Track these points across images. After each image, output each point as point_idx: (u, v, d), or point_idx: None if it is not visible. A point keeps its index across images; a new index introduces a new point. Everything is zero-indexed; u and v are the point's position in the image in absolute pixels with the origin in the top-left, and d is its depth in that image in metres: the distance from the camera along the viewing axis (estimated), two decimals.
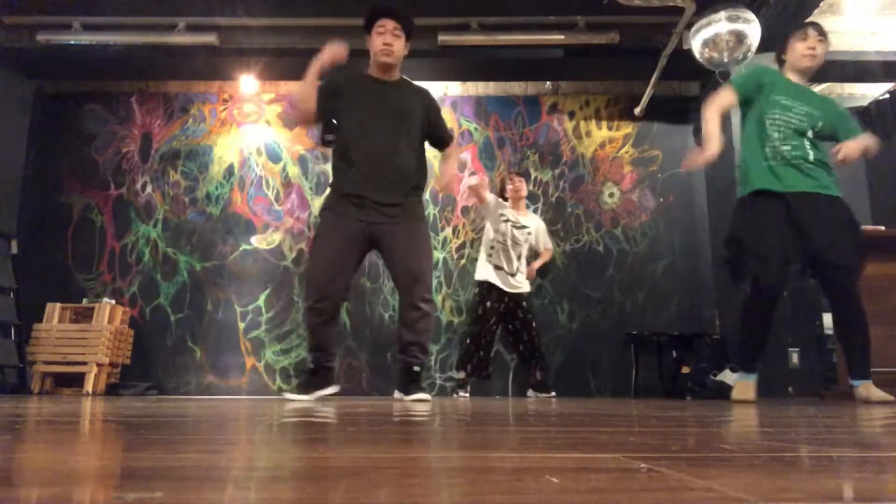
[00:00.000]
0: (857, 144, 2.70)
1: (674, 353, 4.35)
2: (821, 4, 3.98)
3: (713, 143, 2.72)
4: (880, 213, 5.06)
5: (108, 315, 4.29)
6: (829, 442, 0.95)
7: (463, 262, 4.80)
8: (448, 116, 5.13)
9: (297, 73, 2.99)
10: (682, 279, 4.83)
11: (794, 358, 3.92)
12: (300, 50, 4.49)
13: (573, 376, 4.63)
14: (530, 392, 4.17)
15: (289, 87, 5.00)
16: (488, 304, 4.04)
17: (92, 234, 4.88)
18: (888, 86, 5.05)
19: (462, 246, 4.84)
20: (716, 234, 4.68)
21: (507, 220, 4.14)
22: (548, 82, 5.20)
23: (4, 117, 4.74)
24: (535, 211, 4.94)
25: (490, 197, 4.13)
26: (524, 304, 4.16)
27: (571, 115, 5.14)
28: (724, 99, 2.85)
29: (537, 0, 4.31)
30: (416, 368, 2.70)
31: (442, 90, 5.19)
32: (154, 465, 0.62)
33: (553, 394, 4.13)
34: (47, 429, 1.13)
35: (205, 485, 0.51)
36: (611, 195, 4.99)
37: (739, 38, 3.89)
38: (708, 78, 4.41)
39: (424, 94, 2.87)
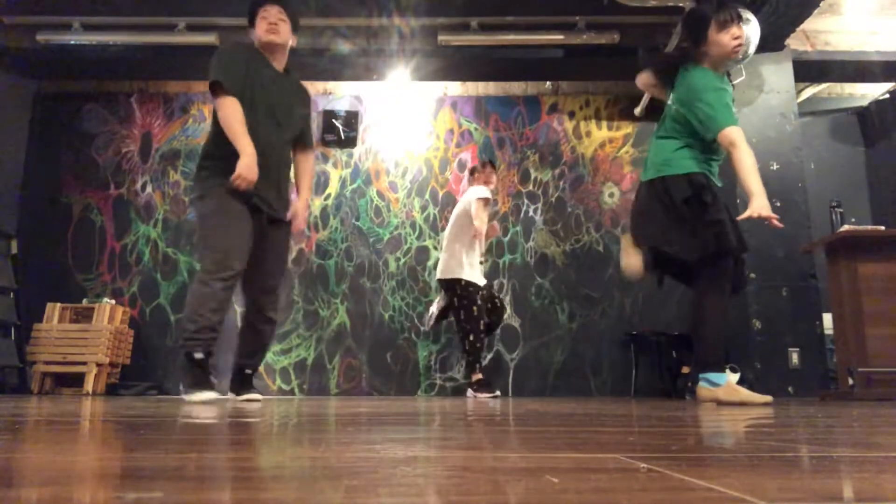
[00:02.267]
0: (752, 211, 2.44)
1: (674, 353, 4.34)
2: (821, 4, 3.98)
3: (756, 208, 2.51)
4: (880, 213, 5.07)
5: (108, 315, 4.29)
6: (829, 442, 0.95)
7: None
8: (448, 116, 5.13)
9: (296, 73, 2.99)
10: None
11: (794, 358, 3.92)
12: (300, 50, 4.49)
13: (573, 376, 4.63)
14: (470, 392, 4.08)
15: None
16: (479, 301, 4.00)
17: (92, 234, 4.88)
18: (888, 86, 5.05)
19: None
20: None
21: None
22: (548, 82, 5.20)
23: (4, 117, 4.74)
24: (535, 211, 4.94)
25: (488, 197, 4.11)
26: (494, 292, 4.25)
27: (571, 115, 5.14)
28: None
29: (537, 0, 4.31)
30: (249, 371, 2.73)
31: (442, 90, 5.19)
32: (154, 465, 0.62)
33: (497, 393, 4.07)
34: (47, 429, 1.13)
35: (205, 485, 0.51)
36: (611, 195, 4.99)
37: None
38: None
39: (305, 95, 2.90)
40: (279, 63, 2.76)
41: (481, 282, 4.05)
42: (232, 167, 2.41)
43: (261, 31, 2.68)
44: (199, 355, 2.36)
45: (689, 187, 2.52)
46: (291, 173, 2.85)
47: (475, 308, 3.96)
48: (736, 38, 2.56)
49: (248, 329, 2.71)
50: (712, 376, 2.56)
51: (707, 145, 2.60)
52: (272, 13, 2.69)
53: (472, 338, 3.95)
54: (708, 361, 2.59)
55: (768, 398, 2.49)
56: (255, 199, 2.53)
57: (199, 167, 2.65)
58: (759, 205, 2.40)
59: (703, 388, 2.59)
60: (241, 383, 2.71)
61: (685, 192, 2.52)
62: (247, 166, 2.40)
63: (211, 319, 2.37)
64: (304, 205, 2.81)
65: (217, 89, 2.52)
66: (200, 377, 2.36)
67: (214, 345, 2.43)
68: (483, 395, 3.88)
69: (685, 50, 2.72)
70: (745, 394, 2.48)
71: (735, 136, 2.48)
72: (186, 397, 2.36)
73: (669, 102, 2.72)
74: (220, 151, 2.52)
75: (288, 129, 2.72)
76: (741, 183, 2.52)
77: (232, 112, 2.48)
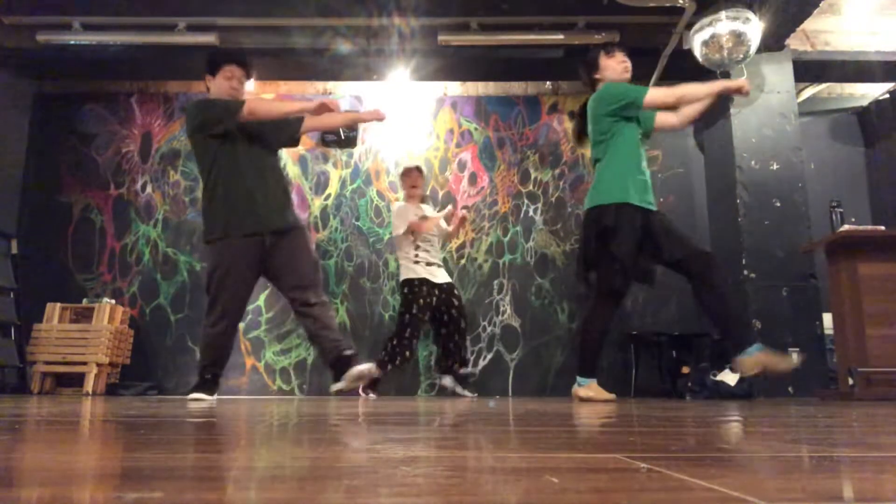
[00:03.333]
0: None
1: (674, 353, 4.35)
2: (821, 4, 3.98)
3: (721, 83, 2.89)
4: (880, 213, 5.07)
5: (108, 315, 4.29)
6: (829, 442, 0.95)
7: (463, 261, 4.81)
8: (448, 116, 5.13)
9: (296, 73, 3.00)
10: (682, 279, 4.79)
11: (794, 358, 3.91)
12: (300, 50, 4.50)
13: (573, 376, 4.61)
14: (448, 379, 4.11)
15: (288, 86, 5.01)
16: (422, 301, 4.01)
17: (92, 234, 4.88)
18: (888, 86, 5.05)
19: (462, 246, 4.84)
20: (716, 234, 4.68)
21: (422, 217, 4.17)
22: (548, 82, 5.20)
23: (4, 117, 4.74)
24: (535, 211, 4.94)
25: (404, 214, 4.16)
26: (455, 292, 4.17)
27: (571, 115, 5.14)
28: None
29: (537, 0, 4.31)
30: (347, 353, 2.87)
31: (442, 90, 5.19)
32: (154, 465, 0.62)
33: (475, 395, 4.08)
34: (47, 429, 1.13)
35: (205, 485, 0.52)
36: None
37: (739, 38, 3.89)
38: (708, 78, 4.40)
39: None
40: None
41: (420, 276, 4.05)
42: (228, 210, 2.86)
43: (225, 89, 2.92)
44: (207, 376, 2.88)
45: (602, 220, 2.79)
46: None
47: (414, 306, 3.99)
48: (622, 62, 2.94)
49: (311, 326, 2.86)
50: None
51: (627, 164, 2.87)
52: (237, 75, 2.96)
53: (394, 340, 3.99)
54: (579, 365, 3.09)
55: (611, 396, 3.03)
56: (257, 236, 2.84)
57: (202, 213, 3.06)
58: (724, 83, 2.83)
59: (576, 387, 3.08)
60: (344, 368, 2.83)
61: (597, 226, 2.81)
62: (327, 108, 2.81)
63: (212, 357, 2.87)
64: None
65: (237, 109, 2.77)
66: (203, 386, 2.86)
67: (220, 370, 2.90)
68: (372, 395, 3.93)
69: (590, 87, 3.08)
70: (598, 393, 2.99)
71: (657, 93, 2.80)
72: (188, 396, 2.87)
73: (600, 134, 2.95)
74: (208, 196, 2.95)
75: (266, 147, 2.94)
76: (698, 100, 2.88)
77: (262, 103, 2.89)
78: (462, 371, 4.11)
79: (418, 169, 4.35)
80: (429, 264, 4.13)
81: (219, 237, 2.81)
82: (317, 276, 2.95)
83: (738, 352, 2.62)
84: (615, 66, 2.95)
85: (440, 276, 4.15)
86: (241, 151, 2.84)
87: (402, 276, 4.14)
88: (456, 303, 4.13)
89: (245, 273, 2.82)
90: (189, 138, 2.96)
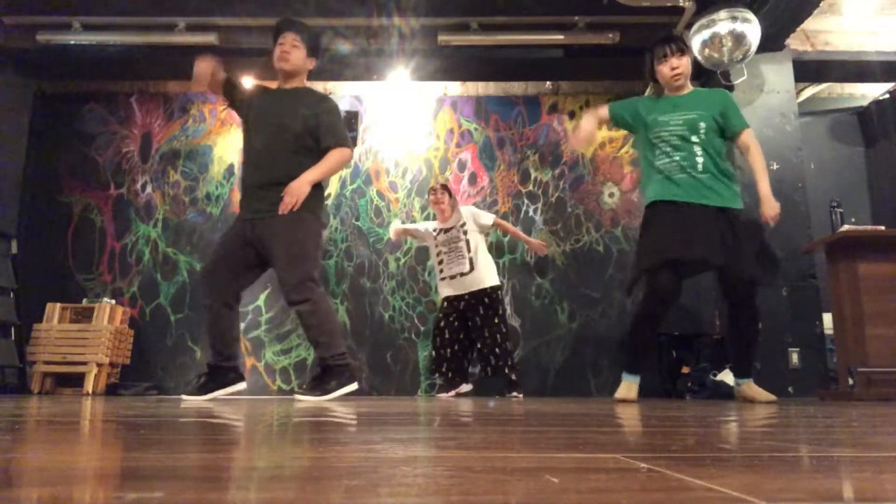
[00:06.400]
0: (767, 210, 2.87)
1: (674, 353, 4.34)
2: (821, 4, 3.98)
3: (583, 130, 2.90)
4: (880, 213, 5.07)
5: (108, 315, 4.29)
6: (829, 442, 0.95)
7: None
8: (448, 116, 5.13)
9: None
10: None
11: (794, 358, 3.92)
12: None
13: (573, 376, 4.63)
14: (465, 388, 4.20)
15: None
16: (443, 312, 4.15)
17: (92, 234, 4.88)
18: (888, 86, 5.05)
19: None
20: None
21: (440, 230, 4.20)
22: (548, 82, 5.20)
23: (4, 117, 4.74)
24: (535, 211, 4.94)
25: (419, 227, 4.39)
26: (486, 300, 4.04)
27: (571, 115, 5.14)
28: (599, 111, 3.05)
29: (537, 0, 4.31)
30: (332, 364, 2.79)
31: (442, 90, 5.19)
32: (154, 465, 0.62)
33: (515, 395, 4.08)
34: (47, 429, 1.13)
35: (205, 485, 0.52)
36: (611, 195, 4.99)
37: (739, 38, 3.89)
38: (708, 78, 4.40)
39: (315, 98, 2.92)
40: (291, 82, 2.92)
41: (441, 294, 4.20)
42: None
43: (275, 58, 2.86)
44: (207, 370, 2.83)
45: None
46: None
47: (443, 322, 4.13)
48: (674, 69, 2.88)
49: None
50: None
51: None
52: (287, 39, 2.85)
53: (432, 351, 4.20)
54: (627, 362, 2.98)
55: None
56: (242, 216, 2.81)
57: None
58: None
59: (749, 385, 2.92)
60: (316, 378, 2.79)
61: None
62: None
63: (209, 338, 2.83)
64: (297, 182, 2.73)
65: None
66: (196, 386, 2.82)
67: (217, 359, 2.80)
68: (443, 395, 4.12)
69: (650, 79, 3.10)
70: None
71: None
72: (184, 397, 2.83)
73: (683, 124, 2.88)
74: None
75: (281, 133, 2.80)
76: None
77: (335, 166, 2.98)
78: (508, 395, 4.03)
79: (444, 188, 4.26)
80: (451, 277, 4.12)
81: None
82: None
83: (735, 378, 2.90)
84: (666, 74, 2.92)
85: (467, 285, 4.08)
86: None
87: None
88: (482, 311, 4.05)
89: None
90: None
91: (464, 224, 4.16)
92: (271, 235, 2.72)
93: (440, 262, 4.18)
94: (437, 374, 4.22)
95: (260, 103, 2.88)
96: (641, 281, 2.83)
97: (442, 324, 4.13)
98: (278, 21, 2.93)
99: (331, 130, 2.83)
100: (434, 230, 4.24)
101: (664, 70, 2.91)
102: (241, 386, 2.85)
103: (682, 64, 2.91)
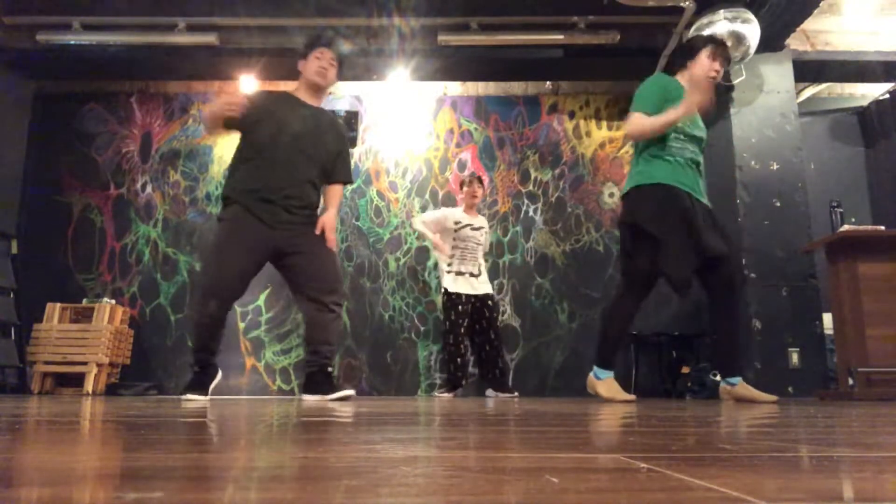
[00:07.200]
0: None
1: (674, 353, 4.35)
2: (821, 4, 3.98)
3: (679, 108, 2.64)
4: (880, 213, 5.07)
5: (108, 315, 4.29)
6: (829, 442, 0.95)
7: None
8: (448, 116, 5.13)
9: (297, 73, 3.01)
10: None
11: (794, 358, 3.92)
12: (299, 50, 4.49)
13: (573, 376, 4.63)
14: (489, 391, 4.16)
15: (288, 87, 5.00)
16: (460, 308, 4.07)
17: (92, 234, 4.88)
18: (888, 86, 5.05)
19: None
20: None
21: (465, 225, 4.18)
22: (548, 82, 5.20)
23: (4, 117, 4.74)
24: (535, 211, 4.94)
25: (438, 215, 4.25)
26: (490, 303, 4.15)
27: (571, 115, 5.14)
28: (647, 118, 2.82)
29: (537, 0, 4.31)
30: (330, 369, 2.80)
31: (442, 90, 5.19)
32: (154, 465, 0.62)
33: (515, 394, 4.12)
34: (47, 429, 1.13)
35: (205, 485, 0.52)
36: (611, 195, 4.99)
37: (739, 38, 3.89)
38: None
39: (340, 132, 2.99)
40: (317, 99, 2.95)
41: (454, 289, 4.09)
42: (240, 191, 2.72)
43: (311, 70, 2.88)
44: (196, 368, 2.75)
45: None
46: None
47: (453, 314, 4.06)
48: (716, 71, 2.77)
49: (309, 325, 2.79)
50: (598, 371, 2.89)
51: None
52: (326, 56, 2.88)
53: (444, 349, 4.14)
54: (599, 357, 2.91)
55: (631, 396, 2.84)
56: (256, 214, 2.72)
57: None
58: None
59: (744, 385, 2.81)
60: (319, 384, 2.74)
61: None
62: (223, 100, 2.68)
63: (203, 341, 2.72)
64: (331, 219, 2.90)
65: None
66: (195, 383, 2.72)
67: (211, 359, 2.74)
68: (442, 394, 4.11)
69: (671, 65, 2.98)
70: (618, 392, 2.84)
71: (636, 123, 2.74)
72: (182, 397, 2.75)
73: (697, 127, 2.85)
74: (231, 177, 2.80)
75: (308, 161, 2.81)
76: (658, 132, 2.70)
77: None
78: (501, 396, 4.06)
79: (479, 180, 4.34)
80: (459, 273, 4.12)
81: None
82: None
83: (723, 378, 2.81)
84: (706, 69, 2.75)
85: (476, 287, 4.12)
86: None
87: (441, 282, 4.21)
88: (487, 314, 4.11)
89: None
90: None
91: (486, 233, 4.31)
92: (312, 243, 2.82)
93: (453, 256, 4.15)
94: (451, 367, 4.04)
95: (281, 113, 2.80)
96: (637, 273, 2.93)
97: (459, 320, 4.05)
98: (321, 32, 2.99)
99: (347, 168, 2.99)
100: (457, 222, 4.19)
101: (707, 66, 2.76)
102: (220, 375, 2.86)
103: (721, 73, 2.83)
